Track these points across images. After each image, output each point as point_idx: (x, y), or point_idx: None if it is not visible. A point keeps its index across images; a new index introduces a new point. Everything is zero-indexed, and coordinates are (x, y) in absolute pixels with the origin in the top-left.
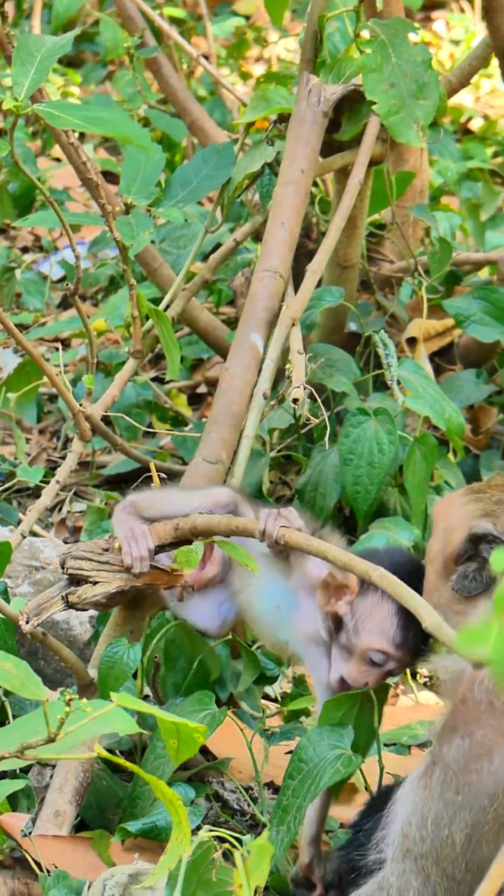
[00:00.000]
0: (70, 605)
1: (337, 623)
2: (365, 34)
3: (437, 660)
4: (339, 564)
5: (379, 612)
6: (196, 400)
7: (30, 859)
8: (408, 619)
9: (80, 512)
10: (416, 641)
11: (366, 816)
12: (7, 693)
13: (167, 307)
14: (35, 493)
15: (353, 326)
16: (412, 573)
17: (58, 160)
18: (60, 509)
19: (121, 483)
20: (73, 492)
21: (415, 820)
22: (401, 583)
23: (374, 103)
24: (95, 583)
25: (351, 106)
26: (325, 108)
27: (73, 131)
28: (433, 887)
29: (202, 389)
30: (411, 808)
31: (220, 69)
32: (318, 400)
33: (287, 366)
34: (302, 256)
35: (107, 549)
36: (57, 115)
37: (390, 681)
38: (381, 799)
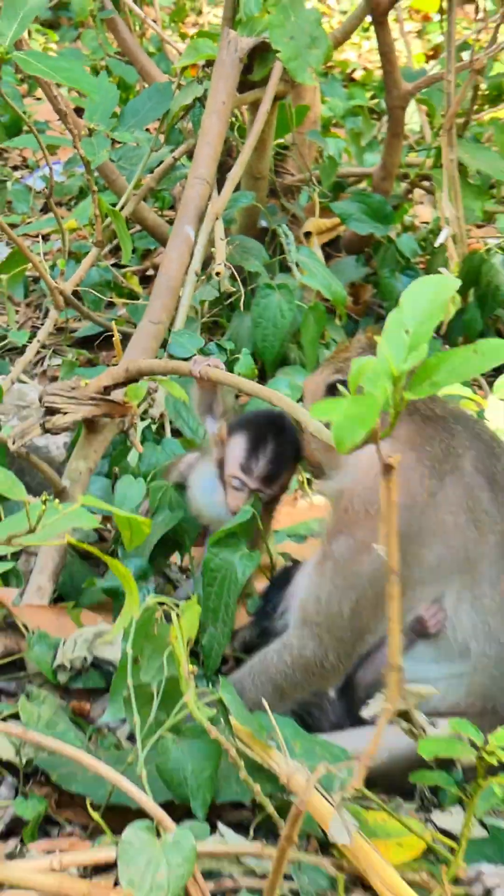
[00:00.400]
0: (46, 430)
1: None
2: None
3: (324, 482)
4: (250, 392)
5: (234, 447)
6: (145, 280)
7: (19, 623)
8: (258, 451)
9: (57, 365)
10: (270, 469)
11: (272, 591)
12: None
13: (122, 208)
14: (22, 351)
15: (263, 223)
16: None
17: (39, 99)
18: (42, 363)
19: (87, 343)
20: (51, 350)
21: (311, 598)
22: (290, 400)
23: (278, 52)
24: (66, 413)
25: (261, 54)
26: (241, 55)
27: None
28: (325, 647)
29: (150, 273)
30: (308, 589)
31: (164, 30)
32: (238, 278)
33: (212, 250)
34: (224, 171)
35: (74, 388)
36: (30, 62)
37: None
38: (284, 577)
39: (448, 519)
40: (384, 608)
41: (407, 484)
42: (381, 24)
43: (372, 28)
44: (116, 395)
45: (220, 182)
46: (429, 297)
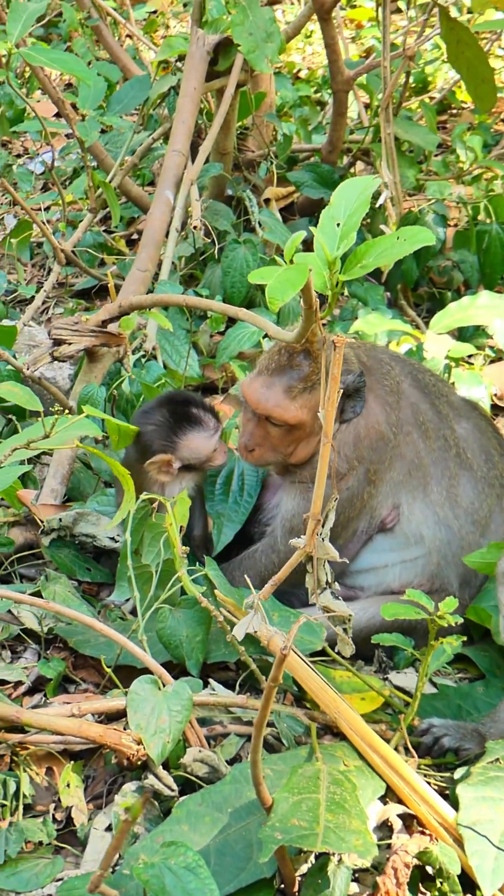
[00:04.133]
0: (55, 358)
1: None
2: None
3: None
4: (221, 312)
5: (193, 440)
6: (130, 244)
7: (36, 518)
8: (199, 422)
9: (60, 313)
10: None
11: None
12: (18, 419)
13: (111, 181)
14: (31, 303)
15: (229, 191)
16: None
17: (38, 101)
18: (47, 312)
19: (85, 294)
20: (55, 301)
21: (295, 515)
22: (251, 312)
23: (239, 45)
24: (70, 343)
25: (224, 49)
26: (208, 49)
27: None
28: None
29: (134, 237)
30: (296, 509)
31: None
32: (212, 234)
33: (189, 209)
34: (195, 149)
35: (77, 322)
36: (33, 55)
37: None
38: (269, 494)
39: (406, 440)
40: (348, 523)
41: (377, 426)
42: (325, 21)
43: (312, 35)
44: (112, 328)
45: (193, 158)
46: (356, 194)
